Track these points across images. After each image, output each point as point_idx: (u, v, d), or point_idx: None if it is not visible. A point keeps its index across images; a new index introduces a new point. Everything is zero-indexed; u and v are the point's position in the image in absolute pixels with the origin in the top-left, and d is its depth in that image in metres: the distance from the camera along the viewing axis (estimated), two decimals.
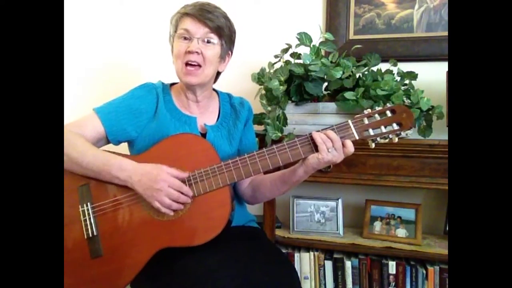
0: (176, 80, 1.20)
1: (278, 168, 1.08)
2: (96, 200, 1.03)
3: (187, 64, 1.09)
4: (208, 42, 1.09)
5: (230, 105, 1.24)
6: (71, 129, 1.05)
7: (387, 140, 1.00)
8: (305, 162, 1.02)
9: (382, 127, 0.99)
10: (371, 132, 0.99)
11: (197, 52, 1.07)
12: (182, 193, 0.98)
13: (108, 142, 1.13)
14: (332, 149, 0.98)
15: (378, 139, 1.00)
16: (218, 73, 1.20)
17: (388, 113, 1.00)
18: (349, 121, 1.00)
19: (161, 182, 0.96)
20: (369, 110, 1.02)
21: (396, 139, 1.00)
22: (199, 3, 1.11)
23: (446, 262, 1.39)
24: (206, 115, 1.20)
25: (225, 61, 1.18)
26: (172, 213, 0.99)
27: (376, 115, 1.00)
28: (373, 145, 1.00)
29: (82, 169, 1.02)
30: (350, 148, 0.98)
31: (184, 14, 1.10)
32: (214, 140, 1.14)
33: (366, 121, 1.00)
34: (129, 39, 1.86)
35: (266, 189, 1.16)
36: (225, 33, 1.12)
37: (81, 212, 1.02)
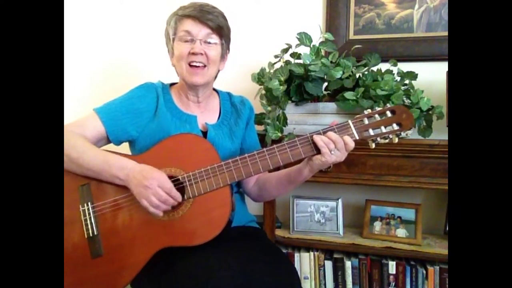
0: (176, 80, 1.19)
1: (278, 168, 1.08)
2: (96, 200, 1.03)
3: (191, 65, 1.09)
4: (210, 42, 1.10)
5: (230, 103, 1.24)
6: (71, 129, 1.05)
7: (387, 140, 1.00)
8: (309, 163, 1.02)
9: (382, 127, 0.99)
10: (371, 132, 1.00)
11: (201, 53, 1.08)
12: (171, 196, 0.97)
13: (109, 142, 1.13)
14: (335, 150, 0.98)
15: (378, 139, 1.00)
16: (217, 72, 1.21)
17: (388, 114, 1.00)
18: (349, 121, 1.00)
19: (150, 180, 0.96)
20: (369, 110, 1.02)
21: (396, 139, 1.00)
22: (197, 4, 1.11)
23: (446, 262, 1.39)
24: (207, 114, 1.20)
25: (224, 60, 1.19)
26: (161, 214, 0.98)
27: (376, 116, 1.00)
28: (373, 145, 1.01)
29: (82, 169, 1.02)
30: (351, 143, 0.98)
31: (184, 16, 1.09)
32: (215, 138, 1.14)
33: (366, 121, 1.00)
34: (129, 39, 1.86)
35: (273, 188, 1.17)
36: (225, 32, 1.13)
37: (81, 212, 1.02)
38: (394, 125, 0.99)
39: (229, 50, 1.20)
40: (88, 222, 1.01)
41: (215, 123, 1.18)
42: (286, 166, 1.07)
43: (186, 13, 1.09)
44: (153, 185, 0.95)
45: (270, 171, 1.08)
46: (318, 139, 0.97)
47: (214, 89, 1.26)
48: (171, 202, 0.97)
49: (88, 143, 1.04)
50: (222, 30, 1.11)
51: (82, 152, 1.01)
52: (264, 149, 1.01)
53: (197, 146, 1.05)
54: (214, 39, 1.10)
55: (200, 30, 1.08)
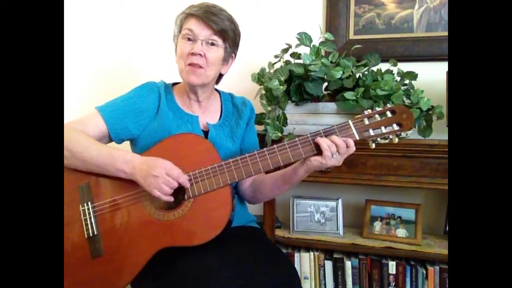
0: (178, 79, 1.20)
1: (278, 168, 1.08)
2: (96, 200, 1.03)
3: (189, 64, 1.09)
4: (212, 44, 1.09)
5: (232, 104, 1.24)
6: (73, 126, 1.05)
7: (387, 141, 1.01)
8: (306, 163, 1.02)
9: (382, 128, 0.99)
10: (372, 132, 1.00)
11: (200, 54, 1.08)
12: (180, 183, 0.98)
13: (110, 140, 1.13)
14: (336, 154, 0.98)
15: (379, 139, 1.00)
16: (221, 75, 1.21)
17: (388, 114, 1.00)
18: (350, 122, 1.00)
19: (158, 168, 0.96)
20: (370, 110, 1.02)
21: (396, 140, 1.00)
22: (204, 4, 1.11)
23: (446, 262, 1.39)
24: (208, 114, 1.20)
25: (228, 64, 1.18)
26: (172, 199, 0.98)
27: (377, 116, 1.00)
28: (373, 146, 1.01)
29: (86, 164, 1.02)
30: (352, 148, 0.99)
31: (189, 14, 1.10)
32: (216, 138, 1.14)
33: (366, 122, 1.00)
34: (131, 38, 1.86)
35: (267, 189, 1.17)
36: (229, 36, 1.11)
37: (81, 212, 1.02)
38: (394, 125, 0.99)
39: (235, 55, 1.19)
40: (88, 222, 1.01)
41: (216, 123, 1.18)
42: (286, 166, 1.07)
43: (192, 12, 1.09)
44: (161, 174, 0.96)
45: (270, 171, 1.08)
46: (322, 141, 0.97)
47: (217, 90, 1.26)
48: None
49: (91, 138, 1.05)
50: (225, 34, 1.10)
51: (86, 147, 1.01)
52: (265, 149, 1.02)
53: (197, 146, 1.05)
54: (216, 41, 1.09)
55: (203, 30, 1.08)
